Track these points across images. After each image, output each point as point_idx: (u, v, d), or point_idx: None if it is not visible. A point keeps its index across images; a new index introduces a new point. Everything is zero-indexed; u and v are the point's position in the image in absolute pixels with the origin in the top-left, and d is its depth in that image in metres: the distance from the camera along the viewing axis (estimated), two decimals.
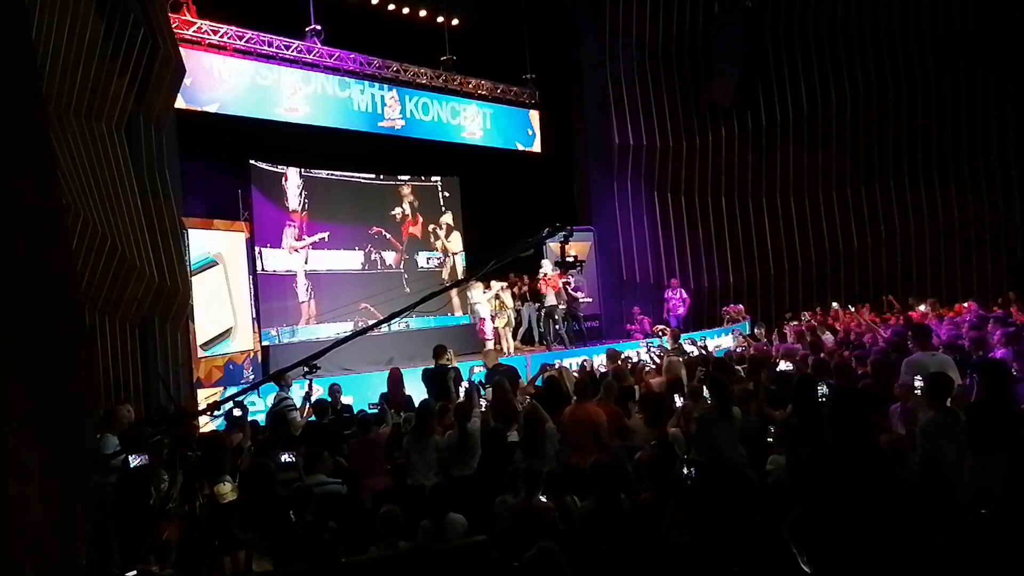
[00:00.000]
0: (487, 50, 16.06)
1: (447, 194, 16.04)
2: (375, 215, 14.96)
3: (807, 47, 16.49)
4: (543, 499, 4.68)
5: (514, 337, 13.81)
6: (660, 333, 12.71)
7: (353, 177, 14.68)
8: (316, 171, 13.97)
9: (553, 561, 3.31)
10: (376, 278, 14.69)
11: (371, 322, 13.87)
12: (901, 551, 3.50)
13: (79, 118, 9.31)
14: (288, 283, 13.36)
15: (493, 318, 13.10)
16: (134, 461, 5.52)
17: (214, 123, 12.01)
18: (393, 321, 3.51)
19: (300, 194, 13.66)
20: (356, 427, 6.67)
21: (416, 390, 8.59)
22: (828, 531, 3.16)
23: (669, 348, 10.71)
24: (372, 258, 14.85)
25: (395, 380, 8.51)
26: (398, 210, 15.31)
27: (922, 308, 12.16)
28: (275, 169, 13.30)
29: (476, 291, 13.03)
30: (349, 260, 14.53)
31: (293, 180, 13.60)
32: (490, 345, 12.68)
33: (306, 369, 3.21)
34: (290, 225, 13.48)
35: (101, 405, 7.53)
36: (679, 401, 6.50)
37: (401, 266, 15.26)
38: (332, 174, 14.27)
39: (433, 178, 15.86)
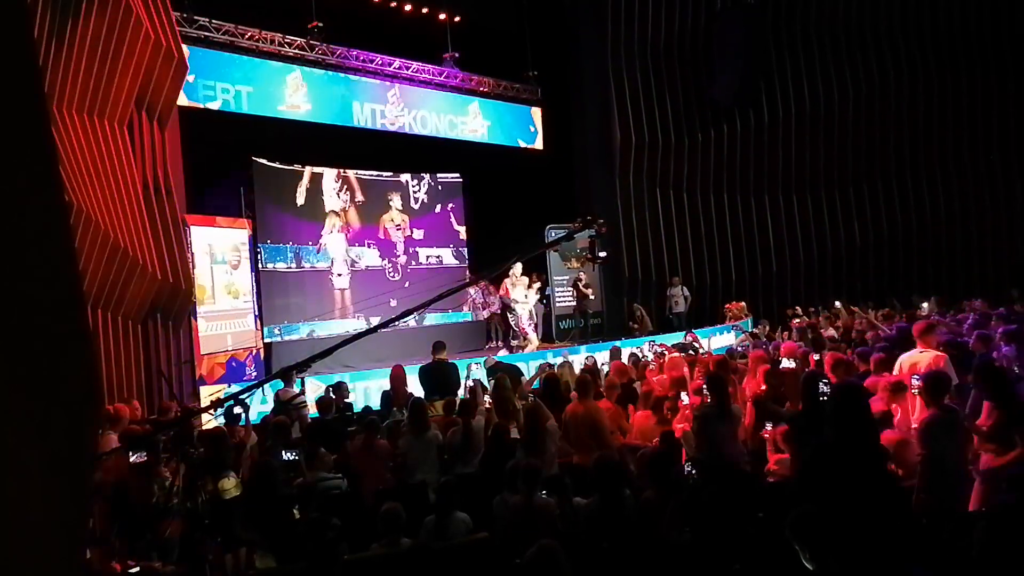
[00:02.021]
0: (489, 47, 16.05)
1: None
2: (376, 213, 14.95)
3: (809, 45, 16.48)
4: (543, 495, 4.68)
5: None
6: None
7: (357, 175, 14.67)
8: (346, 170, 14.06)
9: (553, 559, 3.31)
10: (376, 276, 14.72)
11: (383, 319, 13.95)
12: (901, 549, 3.50)
13: (82, 115, 9.32)
14: (290, 280, 13.37)
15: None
16: (133, 458, 5.53)
17: (216, 120, 12.01)
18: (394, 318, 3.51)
19: (340, 194, 14.01)
20: (363, 428, 6.59)
21: (417, 388, 8.58)
22: (829, 529, 3.16)
23: (671, 345, 10.71)
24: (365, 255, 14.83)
25: (398, 377, 8.49)
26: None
27: (925, 306, 12.14)
28: (277, 166, 13.29)
29: (519, 288, 13.26)
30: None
31: (329, 182, 13.91)
32: (533, 339, 12.91)
33: (297, 364, 3.20)
34: (335, 223, 13.82)
35: (103, 403, 7.55)
36: (685, 399, 6.51)
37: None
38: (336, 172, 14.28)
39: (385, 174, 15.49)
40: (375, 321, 13.56)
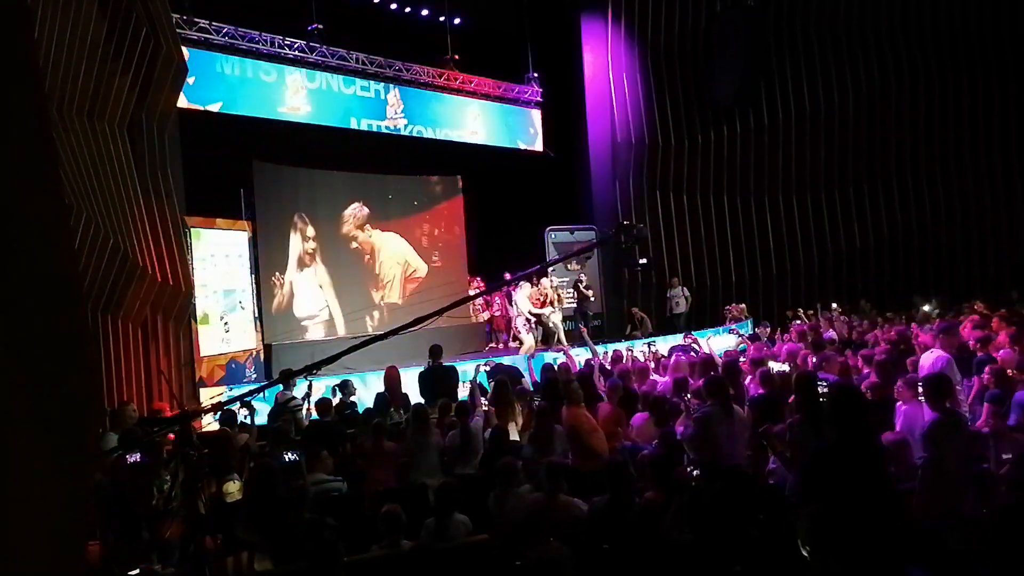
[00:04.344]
0: (489, 49, 16.07)
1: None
2: (377, 215, 14.94)
3: (809, 46, 16.49)
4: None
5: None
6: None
7: (356, 177, 14.66)
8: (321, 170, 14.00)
9: (557, 564, 3.31)
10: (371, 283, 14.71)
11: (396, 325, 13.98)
12: (901, 552, 3.49)
13: (82, 118, 9.32)
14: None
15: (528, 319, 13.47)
16: (131, 459, 5.53)
17: (217, 122, 12.03)
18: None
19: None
20: (372, 430, 6.60)
21: (414, 390, 8.58)
22: (832, 530, 3.16)
23: (669, 348, 10.70)
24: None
25: (394, 379, 8.48)
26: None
27: (926, 308, 12.12)
28: (277, 168, 13.28)
29: (522, 292, 13.41)
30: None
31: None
32: (529, 340, 13.04)
33: (303, 367, 3.21)
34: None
35: (104, 405, 7.55)
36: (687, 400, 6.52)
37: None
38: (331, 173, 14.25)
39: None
40: (369, 327, 13.68)
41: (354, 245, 14.54)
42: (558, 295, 13.59)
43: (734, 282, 16.82)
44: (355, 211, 14.50)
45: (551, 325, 13.35)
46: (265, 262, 12.67)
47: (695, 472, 5.08)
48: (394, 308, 14.48)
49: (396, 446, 6.47)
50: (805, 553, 3.12)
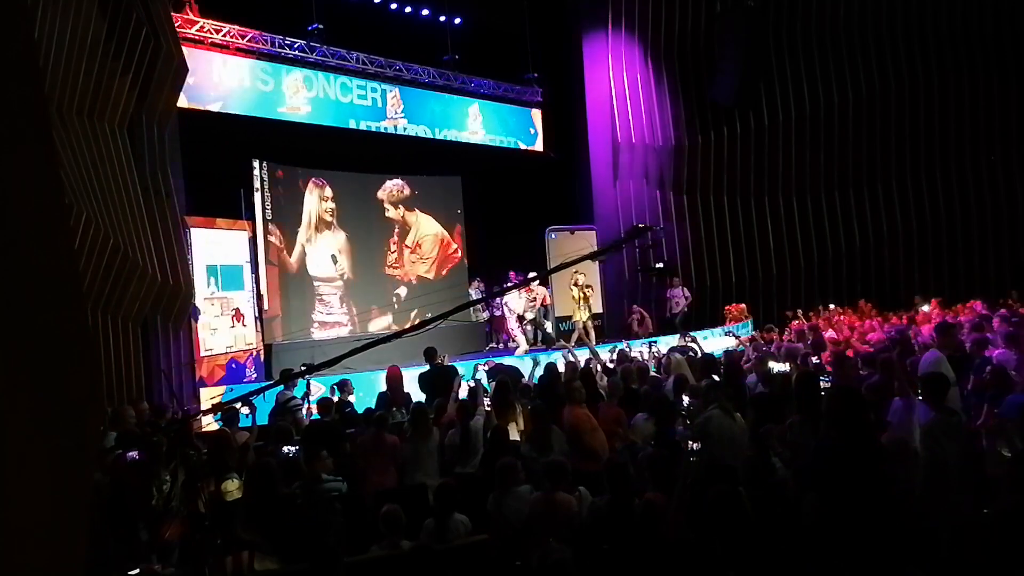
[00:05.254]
0: (490, 49, 16.06)
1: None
2: (377, 215, 14.94)
3: (809, 47, 16.50)
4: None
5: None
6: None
7: (356, 177, 14.67)
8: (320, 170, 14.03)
9: (558, 565, 3.30)
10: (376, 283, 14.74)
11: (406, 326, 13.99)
12: (901, 550, 3.49)
13: (82, 118, 9.32)
14: (291, 282, 13.36)
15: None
16: (129, 458, 5.54)
17: (216, 122, 12.02)
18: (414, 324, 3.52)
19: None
20: (373, 424, 6.63)
21: (413, 391, 8.59)
22: (832, 528, 3.15)
23: (668, 348, 10.69)
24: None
25: (395, 379, 8.49)
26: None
27: (925, 308, 12.13)
28: (277, 168, 13.29)
29: (514, 294, 13.57)
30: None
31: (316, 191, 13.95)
32: (522, 342, 13.21)
33: (304, 368, 3.22)
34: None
35: (104, 404, 7.55)
36: (686, 400, 6.51)
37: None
38: (334, 174, 14.26)
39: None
40: (371, 328, 13.70)
41: (388, 214, 15.02)
42: (584, 294, 13.64)
43: (734, 282, 16.82)
44: (396, 186, 15.12)
45: (571, 323, 13.48)
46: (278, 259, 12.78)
47: (693, 471, 5.07)
48: (425, 283, 15.20)
49: (396, 439, 6.49)
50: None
